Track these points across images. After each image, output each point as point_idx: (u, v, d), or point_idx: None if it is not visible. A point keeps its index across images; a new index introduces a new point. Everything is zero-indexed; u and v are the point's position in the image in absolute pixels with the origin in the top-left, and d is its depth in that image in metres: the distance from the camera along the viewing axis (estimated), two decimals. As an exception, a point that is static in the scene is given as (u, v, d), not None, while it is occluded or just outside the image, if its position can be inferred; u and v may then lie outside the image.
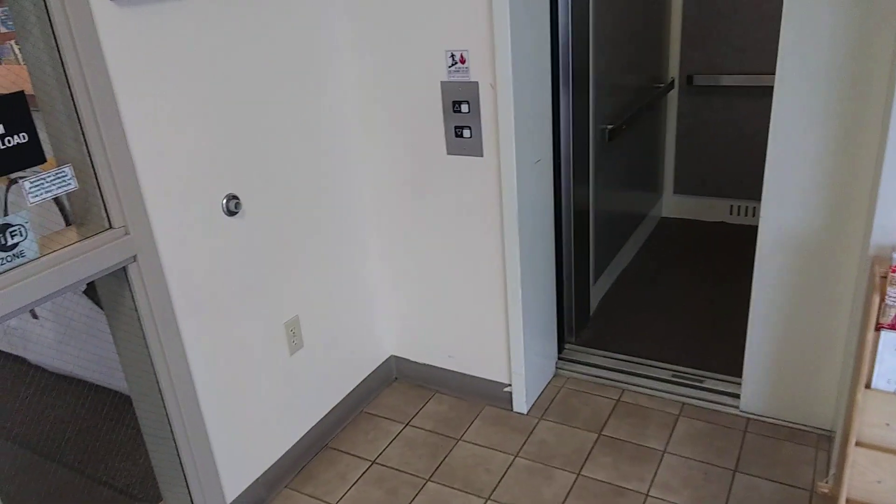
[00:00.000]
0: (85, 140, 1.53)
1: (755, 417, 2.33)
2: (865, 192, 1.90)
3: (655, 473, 2.15)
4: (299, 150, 2.11)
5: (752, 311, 2.20)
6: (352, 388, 2.51)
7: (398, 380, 2.73)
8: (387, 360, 2.68)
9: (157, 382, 1.78)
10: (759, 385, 2.28)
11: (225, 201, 1.88)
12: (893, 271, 1.60)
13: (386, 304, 2.61)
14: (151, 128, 1.67)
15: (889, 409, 1.67)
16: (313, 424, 2.34)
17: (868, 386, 1.68)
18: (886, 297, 1.63)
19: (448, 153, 2.20)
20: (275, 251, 2.08)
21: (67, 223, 1.78)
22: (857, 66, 1.79)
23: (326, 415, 2.40)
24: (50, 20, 1.43)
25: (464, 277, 2.39)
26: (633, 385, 2.55)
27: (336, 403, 2.44)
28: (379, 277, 2.56)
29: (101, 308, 1.84)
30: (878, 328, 1.65)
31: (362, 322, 2.52)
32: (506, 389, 2.48)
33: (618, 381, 2.57)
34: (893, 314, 1.63)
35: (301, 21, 2.03)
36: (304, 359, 2.26)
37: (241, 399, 2.04)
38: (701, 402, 2.42)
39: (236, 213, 1.92)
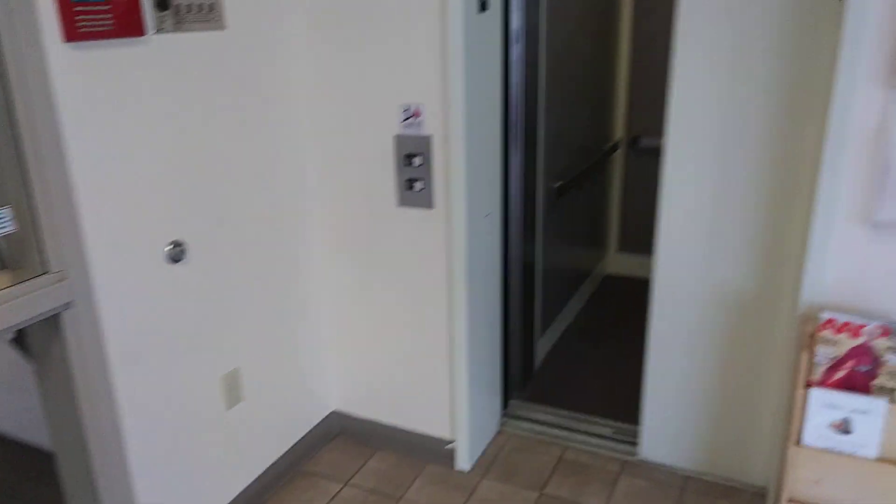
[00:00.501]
0: (28, 182, 1.48)
1: (692, 474, 2.37)
2: (794, 254, 2.01)
3: (598, 532, 2.14)
4: (249, 197, 2.09)
5: (648, 367, 2.30)
6: (291, 445, 2.42)
7: (340, 436, 2.66)
8: (329, 415, 2.61)
9: (84, 438, 1.68)
10: (677, 437, 2.33)
11: (169, 248, 1.84)
12: (822, 330, 1.69)
13: (331, 357, 2.56)
14: (98, 171, 1.62)
15: (819, 465, 1.72)
16: (249, 483, 2.24)
17: (799, 443, 1.74)
18: (815, 355, 1.71)
19: (399, 205, 2.22)
20: (218, 300, 2.03)
21: (1, 266, 1.70)
22: (760, 131, 1.93)
23: (264, 472, 2.30)
24: (1, 58, 1.40)
25: (410, 330, 2.38)
26: (576, 442, 2.55)
27: (274, 461, 2.35)
28: (325, 329, 2.52)
29: (29, 357, 1.74)
30: (808, 385, 1.72)
31: (305, 375, 2.46)
32: (448, 446, 2.45)
33: (561, 438, 2.58)
34: (822, 372, 1.71)
35: (257, 68, 2.05)
36: (242, 413, 2.18)
37: (174, 455, 1.94)
38: (640, 459, 2.45)
39: (180, 260, 1.87)
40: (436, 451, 2.48)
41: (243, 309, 2.13)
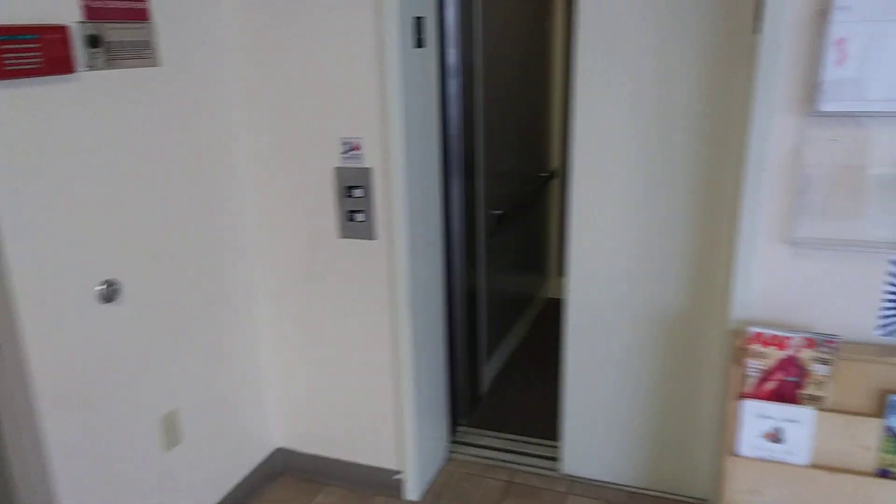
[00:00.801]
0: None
1: (637, 491, 2.42)
2: (722, 273, 2.11)
3: (549, 554, 2.15)
4: (186, 234, 2.05)
5: (565, 383, 2.37)
6: (234, 485, 2.35)
7: (285, 473, 2.60)
8: (273, 452, 2.55)
9: (12, 486, 1.60)
10: (609, 453, 2.39)
11: (101, 288, 1.78)
12: (751, 343, 1.77)
13: (273, 394, 2.51)
14: (24, 210, 1.57)
15: (755, 474, 1.79)
16: (191, 527, 2.16)
17: (735, 453, 1.81)
18: (746, 367, 1.79)
19: (341, 236, 2.22)
20: (154, 340, 1.97)
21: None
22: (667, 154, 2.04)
23: (206, 515, 2.23)
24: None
25: (355, 362, 2.36)
26: (524, 465, 2.57)
27: (216, 503, 2.27)
28: (267, 365, 2.47)
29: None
30: (741, 397, 1.80)
31: (247, 413, 2.40)
32: (396, 477, 2.43)
33: (509, 462, 2.59)
34: (753, 384, 1.79)
35: (193, 104, 2.03)
36: (181, 455, 2.10)
37: (108, 502, 1.86)
38: (587, 479, 2.48)
39: (113, 300, 1.82)
40: (384, 483, 2.45)
41: (181, 348, 2.07)
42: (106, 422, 1.83)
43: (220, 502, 2.29)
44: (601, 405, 2.38)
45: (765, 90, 1.70)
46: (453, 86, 2.38)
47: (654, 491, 2.41)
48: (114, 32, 1.72)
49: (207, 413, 2.20)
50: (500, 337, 3.23)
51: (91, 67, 1.68)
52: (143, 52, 1.81)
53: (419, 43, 2.11)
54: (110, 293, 1.79)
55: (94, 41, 1.68)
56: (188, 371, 2.10)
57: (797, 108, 1.69)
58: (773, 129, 1.72)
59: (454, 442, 2.70)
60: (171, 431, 2.05)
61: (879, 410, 1.73)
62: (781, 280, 1.83)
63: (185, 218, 2.04)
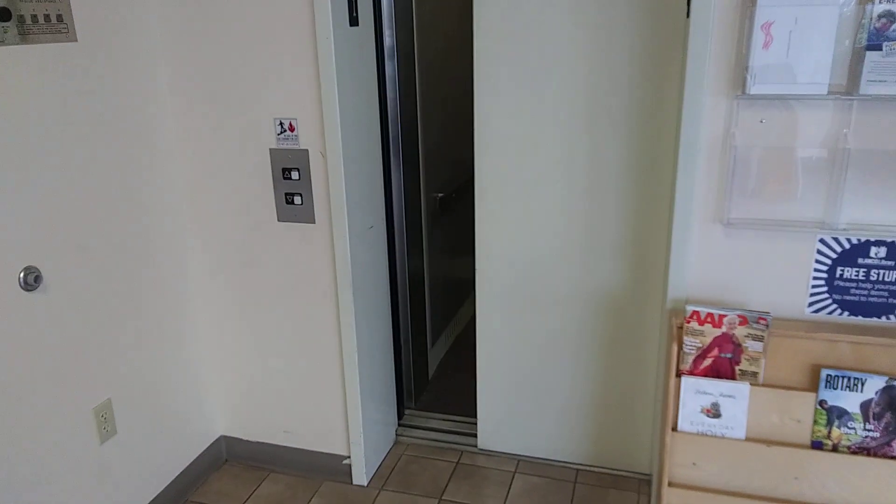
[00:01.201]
0: None
1: (583, 468, 2.45)
2: (662, 254, 2.13)
3: (495, 534, 2.17)
4: (113, 217, 1.97)
5: (478, 360, 2.42)
6: (174, 476, 2.29)
7: (229, 462, 2.55)
8: (216, 441, 2.50)
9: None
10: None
11: (22, 275, 1.69)
12: (688, 321, 1.80)
13: (215, 381, 2.46)
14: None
15: (694, 449, 1.83)
16: (129, 520, 2.11)
17: (675, 429, 1.84)
18: (684, 345, 1.82)
19: (279, 220, 2.17)
20: (84, 328, 1.89)
21: None
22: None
23: (145, 508, 2.17)
24: None
25: (298, 348, 2.32)
26: (472, 446, 2.58)
27: (156, 495, 2.21)
28: (207, 352, 2.41)
29: None
30: (679, 374, 1.83)
31: (187, 402, 2.34)
32: (345, 462, 2.41)
33: (457, 444, 2.60)
34: (691, 361, 1.82)
35: (115, 81, 1.93)
36: (117, 447, 2.04)
37: (43, 497, 1.79)
38: (533, 457, 2.51)
39: (36, 287, 1.73)
40: (332, 469, 2.43)
41: (113, 336, 2.00)
42: (35, 414, 1.76)
43: (162, 493, 2.24)
44: (543, 385, 2.40)
45: (695, 73, 1.70)
46: (391, 68, 2.33)
47: (599, 467, 2.45)
48: (25, 5, 1.62)
49: (143, 403, 2.14)
50: (446, 320, 3.22)
51: (1, 42, 1.58)
52: (57, 26, 1.71)
53: (354, 21, 2.05)
54: (32, 280, 1.71)
55: (4, 15, 1.57)
56: (121, 360, 2.03)
57: (727, 90, 1.70)
58: (705, 111, 1.73)
59: (402, 425, 2.69)
60: (105, 423, 1.98)
61: (812, 384, 1.78)
62: (717, 259, 1.85)
63: (110, 202, 1.96)
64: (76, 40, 1.78)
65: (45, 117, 1.73)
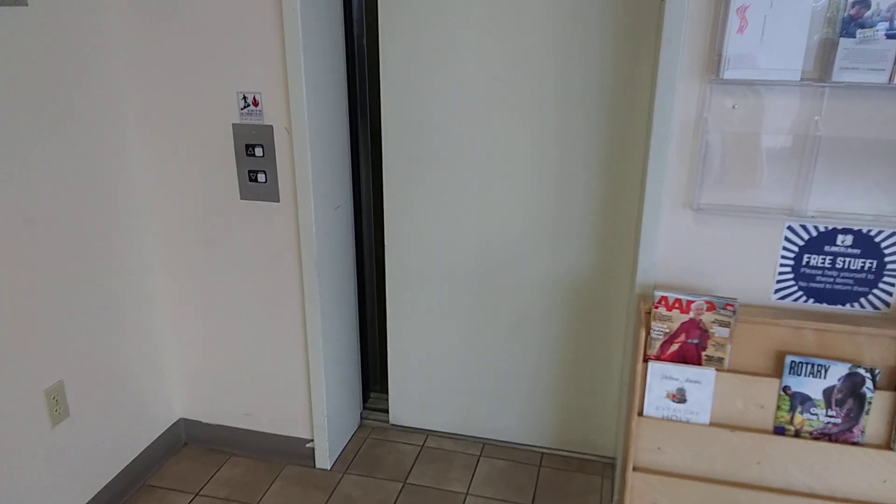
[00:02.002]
0: None
1: (549, 451, 2.45)
2: (630, 237, 2.12)
3: (459, 518, 2.16)
4: (68, 191, 1.88)
5: (390, 336, 2.43)
6: (131, 460, 2.23)
7: (188, 445, 2.49)
8: (174, 424, 2.44)
9: None
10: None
11: (-34, 251, 1.61)
12: (656, 307, 1.79)
13: (174, 363, 2.39)
14: None
15: (659, 434, 1.83)
16: (83, 505, 2.04)
17: (640, 414, 1.84)
18: (651, 330, 1.81)
19: (242, 198, 2.10)
20: (34, 307, 1.81)
21: None
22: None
23: (99, 492, 2.10)
24: None
25: (261, 330, 2.26)
26: (437, 429, 2.56)
27: (111, 479, 2.15)
28: (166, 333, 2.34)
29: None
30: (646, 360, 1.82)
31: (145, 383, 2.27)
32: (308, 445, 2.37)
33: (422, 427, 2.58)
34: (658, 346, 1.82)
35: (68, 50, 1.83)
36: (70, 430, 1.97)
37: (-16, 485, 1.72)
38: (498, 440, 2.50)
39: (-19, 264, 1.65)
40: (294, 452, 2.39)
41: (67, 316, 1.92)
42: (-24, 399, 1.68)
43: (118, 477, 2.17)
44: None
45: (669, 56, 1.68)
46: (360, 39, 2.25)
47: (565, 451, 2.45)
48: (-32, -36, 1.52)
49: (98, 384, 2.06)
50: (416, 301, 3.18)
51: (-60, 3, 1.48)
52: (4, -12, 1.61)
53: (322, -9, 1.97)
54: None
55: (-57, -28, 1.47)
56: (74, 341, 1.95)
57: (700, 74, 1.68)
58: (677, 96, 1.71)
59: (368, 409, 2.66)
60: (57, 405, 1.91)
61: (776, 370, 1.79)
62: (686, 245, 1.84)
63: (61, 176, 1.87)
64: (26, 4, 1.68)
65: (-9, 84, 1.63)
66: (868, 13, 1.52)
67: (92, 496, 2.07)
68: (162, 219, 2.20)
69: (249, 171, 2.05)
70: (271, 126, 1.98)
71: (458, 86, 2.10)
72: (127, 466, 2.21)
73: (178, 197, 2.16)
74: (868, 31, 1.52)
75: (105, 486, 2.12)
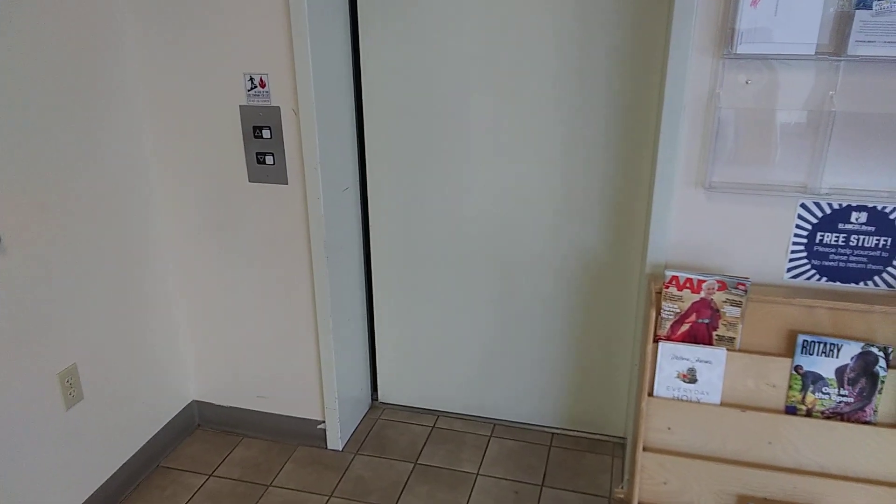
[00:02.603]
0: None
1: (559, 432, 2.46)
2: (643, 219, 2.10)
3: (469, 497, 2.17)
4: (80, 175, 1.88)
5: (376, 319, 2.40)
6: (145, 442, 2.25)
7: (201, 427, 2.51)
8: (187, 406, 2.46)
9: None
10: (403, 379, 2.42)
11: (-23, 235, 1.62)
12: (667, 287, 1.78)
13: (186, 345, 2.40)
14: None
15: (670, 414, 1.83)
16: (98, 486, 2.06)
17: (651, 394, 1.84)
18: (662, 310, 1.80)
19: (250, 181, 2.09)
20: (47, 291, 1.82)
21: None
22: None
23: (114, 474, 2.13)
24: None
25: (272, 312, 2.27)
26: (448, 410, 2.57)
27: (126, 460, 2.17)
28: (178, 316, 2.35)
29: None
30: (657, 340, 1.82)
31: (158, 366, 2.29)
32: (319, 427, 2.38)
33: (433, 408, 2.58)
34: (669, 326, 1.81)
35: (78, 34, 1.83)
36: (84, 412, 1.99)
37: (7, 466, 1.74)
38: (509, 420, 2.51)
39: (-7, 248, 1.66)
40: (306, 434, 2.40)
41: (80, 299, 1.93)
42: (-8, 382, 1.70)
43: (132, 459, 2.20)
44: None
45: (681, 30, 1.65)
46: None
47: (576, 431, 2.45)
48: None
49: (112, 367, 2.08)
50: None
51: (-55, -14, 1.47)
52: (8, -29, 1.60)
53: (329, -30, 1.95)
54: (-10, 243, 1.63)
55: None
56: (87, 324, 1.97)
57: (713, 49, 1.65)
58: (690, 71, 1.68)
59: (378, 389, 2.67)
60: (71, 388, 1.92)
61: (787, 350, 1.78)
62: (697, 224, 1.83)
63: (73, 160, 1.87)
64: (30, -14, 1.67)
65: (2, 70, 1.63)
66: (885, -16, 1.48)
67: (106, 478, 2.10)
68: (172, 202, 2.20)
69: (257, 154, 2.04)
70: (278, 107, 1.97)
71: (456, 58, 2.08)
72: (141, 448, 2.24)
73: (187, 180, 2.16)
74: (885, 3, 1.49)
75: (119, 468, 2.15)
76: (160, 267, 2.25)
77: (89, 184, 1.93)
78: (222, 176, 2.12)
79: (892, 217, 1.70)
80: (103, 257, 2.01)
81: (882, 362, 1.68)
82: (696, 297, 1.77)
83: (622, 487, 2.17)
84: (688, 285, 1.77)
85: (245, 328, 2.32)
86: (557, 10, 1.96)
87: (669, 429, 1.84)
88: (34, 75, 1.72)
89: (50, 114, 1.78)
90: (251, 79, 1.96)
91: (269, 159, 2.04)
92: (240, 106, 2.00)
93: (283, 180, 2.06)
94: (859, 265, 1.76)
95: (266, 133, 2.00)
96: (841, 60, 1.58)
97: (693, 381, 1.81)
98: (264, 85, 1.95)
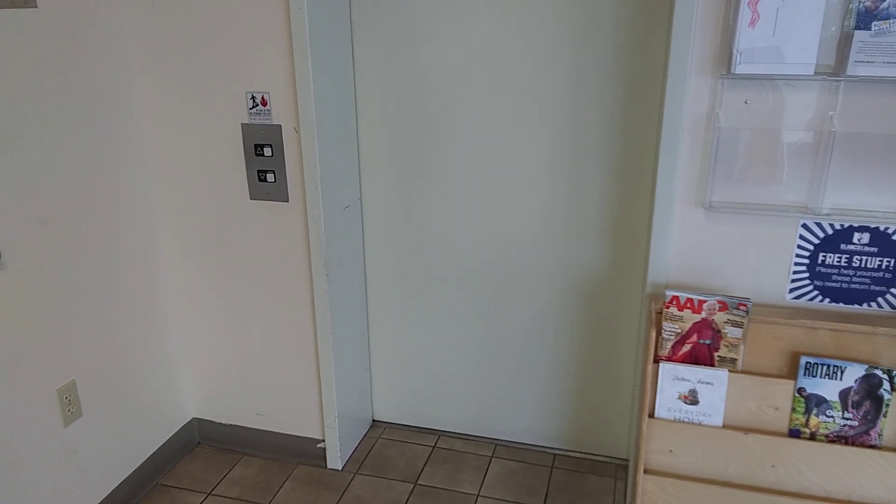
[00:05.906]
0: None
1: (561, 453, 2.43)
2: (642, 236, 2.09)
3: (470, 519, 2.14)
4: (81, 192, 1.90)
5: (371, 333, 2.34)
6: (144, 459, 2.25)
7: (201, 444, 2.50)
8: (187, 423, 2.45)
9: None
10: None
11: (-22, 252, 1.63)
12: (667, 307, 1.76)
13: (186, 363, 2.40)
14: None
15: (671, 435, 1.81)
16: (96, 504, 2.06)
17: (652, 415, 1.82)
18: (662, 331, 1.78)
19: (251, 198, 2.10)
20: (46, 307, 1.83)
21: None
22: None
23: (112, 492, 2.12)
24: None
25: (272, 330, 2.26)
26: (449, 430, 2.55)
27: (124, 478, 2.16)
28: (178, 334, 2.35)
29: None
30: (657, 360, 1.80)
31: (158, 383, 2.29)
32: (319, 445, 2.37)
33: (434, 428, 2.57)
34: (669, 347, 1.79)
35: (78, 52, 1.85)
36: (82, 429, 1.98)
37: (4, 482, 1.74)
38: (510, 441, 2.48)
39: (-6, 265, 1.67)
40: (306, 452, 2.39)
41: (80, 315, 1.94)
42: (-10, 398, 1.70)
43: (131, 476, 2.19)
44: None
45: (679, 50, 1.65)
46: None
47: (577, 452, 2.42)
48: (-22, -33, 1.54)
49: (111, 384, 2.08)
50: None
51: (-49, 7, 1.50)
52: (13, -9, 1.63)
53: (330, -10, 1.97)
54: (-9, 259, 1.64)
55: (-46, -23, 1.49)
56: (86, 340, 1.97)
57: (712, 69, 1.65)
58: (688, 91, 1.68)
59: (378, 408, 2.65)
60: (70, 405, 1.92)
61: (790, 372, 1.75)
62: (698, 244, 1.81)
63: (74, 177, 1.88)
64: (35, 6, 1.70)
65: (5, 89, 1.65)
66: (884, 5, 1.48)
67: (105, 496, 2.09)
68: (173, 219, 2.21)
69: (259, 171, 2.05)
70: (280, 126, 1.98)
71: (450, 77, 2.09)
72: (140, 466, 2.23)
73: (188, 197, 2.17)
74: (884, 24, 1.48)
75: (118, 486, 2.14)
76: (160, 283, 2.26)
77: (90, 200, 1.94)
78: (223, 193, 2.13)
79: (894, 238, 1.68)
80: (103, 274, 2.01)
81: (886, 385, 1.65)
82: (697, 318, 1.75)
83: (624, 510, 2.14)
84: (688, 305, 1.75)
85: (245, 345, 2.32)
86: (555, 29, 1.96)
87: (671, 451, 1.82)
88: (36, 92, 1.74)
89: (51, 129, 1.80)
90: (253, 97, 1.98)
91: (270, 177, 2.05)
92: (242, 124, 2.01)
93: (284, 198, 2.06)
94: (862, 286, 1.74)
95: (267, 151, 2.02)
96: (841, 80, 1.58)
97: (695, 402, 1.79)
98: (266, 103, 1.97)
